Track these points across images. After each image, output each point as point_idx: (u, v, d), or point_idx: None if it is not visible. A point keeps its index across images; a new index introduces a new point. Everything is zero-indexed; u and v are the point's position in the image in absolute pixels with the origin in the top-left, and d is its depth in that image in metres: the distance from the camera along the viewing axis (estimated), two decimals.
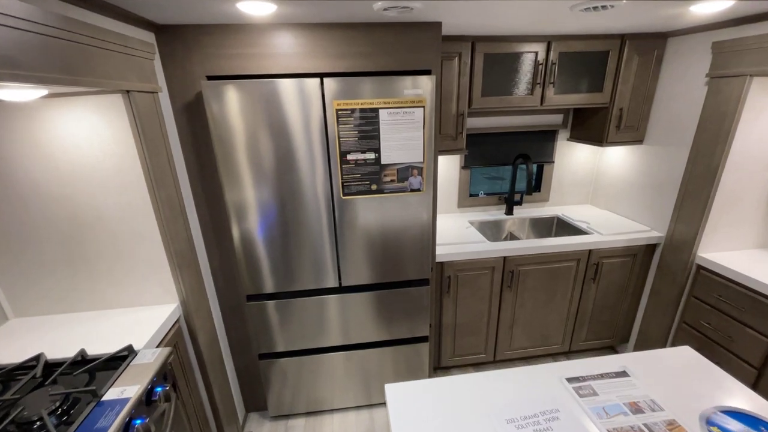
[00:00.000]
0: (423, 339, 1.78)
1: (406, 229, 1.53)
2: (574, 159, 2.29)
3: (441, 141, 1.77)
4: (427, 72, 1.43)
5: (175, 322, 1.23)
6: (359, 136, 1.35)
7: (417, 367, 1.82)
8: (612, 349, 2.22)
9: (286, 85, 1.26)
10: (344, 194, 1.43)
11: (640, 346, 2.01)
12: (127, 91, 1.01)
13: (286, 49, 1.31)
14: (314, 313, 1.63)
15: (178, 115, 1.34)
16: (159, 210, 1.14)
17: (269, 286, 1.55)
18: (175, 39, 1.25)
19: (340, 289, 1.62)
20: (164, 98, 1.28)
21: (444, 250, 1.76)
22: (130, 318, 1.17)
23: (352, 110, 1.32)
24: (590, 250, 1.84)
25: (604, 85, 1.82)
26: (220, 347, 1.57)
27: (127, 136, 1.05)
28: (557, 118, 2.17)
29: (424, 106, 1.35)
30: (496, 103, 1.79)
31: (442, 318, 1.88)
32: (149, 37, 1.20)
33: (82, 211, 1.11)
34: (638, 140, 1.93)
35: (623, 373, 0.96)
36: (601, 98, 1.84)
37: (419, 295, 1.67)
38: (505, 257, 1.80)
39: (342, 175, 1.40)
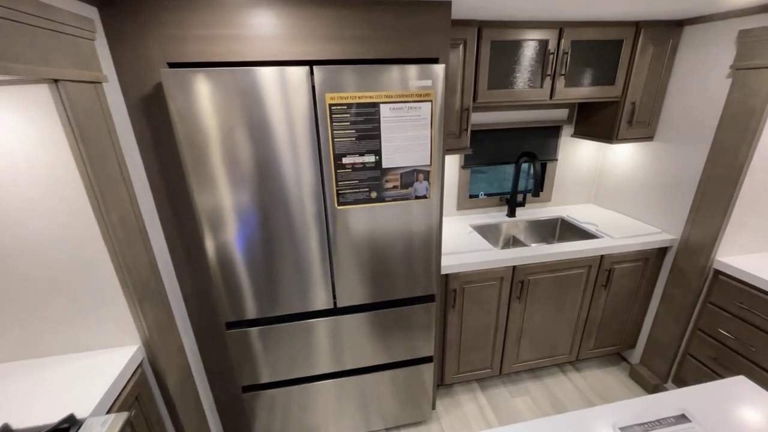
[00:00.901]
0: (426, 360, 1.61)
1: (409, 241, 1.34)
2: (578, 156, 2.16)
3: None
4: (434, 60, 1.23)
5: (137, 368, 0.99)
6: (357, 136, 1.15)
7: (419, 390, 1.65)
8: (619, 356, 2.13)
9: (268, 75, 1.04)
10: (339, 203, 1.22)
11: (649, 353, 1.92)
12: (55, 81, 0.76)
13: (266, 30, 1.08)
14: (305, 339, 1.42)
15: (135, 111, 1.08)
16: (109, 232, 0.90)
17: (252, 311, 1.33)
18: (126, 15, 1.00)
19: (335, 311, 1.42)
20: (113, 90, 1.03)
21: (449, 261, 1.59)
22: (76, 368, 0.93)
23: (348, 105, 1.11)
24: (602, 256, 1.72)
25: (617, 77, 1.68)
26: (196, 385, 1.34)
27: (59, 139, 0.81)
28: (563, 113, 2.03)
29: (432, 101, 1.16)
30: (503, 97, 1.61)
31: (446, 334, 1.72)
32: (90, 11, 0.94)
33: (2, 239, 0.86)
34: (649, 137, 1.81)
35: (683, 418, 0.82)
36: (613, 91, 1.71)
37: (424, 312, 1.49)
38: (514, 266, 1.64)
39: (337, 181, 1.19)
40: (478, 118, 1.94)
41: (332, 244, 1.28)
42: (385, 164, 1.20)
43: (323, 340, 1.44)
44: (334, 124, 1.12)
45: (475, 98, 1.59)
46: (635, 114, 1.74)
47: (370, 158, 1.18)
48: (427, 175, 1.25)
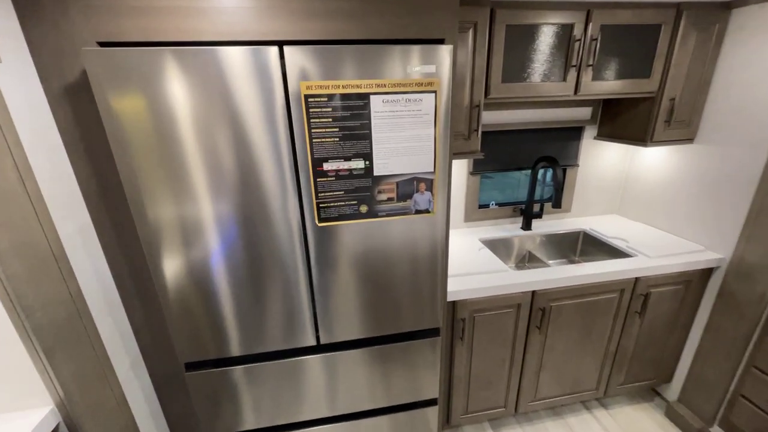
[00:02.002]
0: (430, 402, 1.35)
1: (409, 265, 1.10)
2: (602, 161, 1.91)
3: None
4: (439, 41, 1.00)
5: None
6: (341, 135, 0.91)
7: None
8: (653, 392, 1.86)
9: (227, 57, 0.81)
10: (321, 220, 0.98)
11: (690, 390, 1.64)
12: None
13: (226, 1, 0.85)
14: (284, 381, 1.17)
15: (58, 103, 0.86)
16: None
17: (216, 350, 1.08)
18: None
19: (319, 348, 1.17)
20: (26, 75, 0.80)
21: (456, 285, 1.34)
22: None
23: (330, 97, 0.87)
24: (637, 278, 1.46)
25: (653, 68, 1.44)
26: None
27: None
28: (585, 112, 1.78)
29: (436, 91, 0.92)
30: (519, 92, 1.37)
31: (453, 370, 1.46)
32: None
33: None
34: (689, 138, 1.56)
35: None
36: (649, 85, 1.46)
37: (427, 349, 1.24)
38: (534, 291, 1.39)
39: (316, 192, 0.95)
40: (489, 118, 1.69)
41: (313, 269, 1.04)
42: (377, 171, 0.96)
43: (306, 382, 1.19)
44: (311, 120, 0.88)
45: (486, 93, 1.35)
46: (674, 112, 1.48)
47: (359, 163, 0.94)
48: (430, 185, 1.01)
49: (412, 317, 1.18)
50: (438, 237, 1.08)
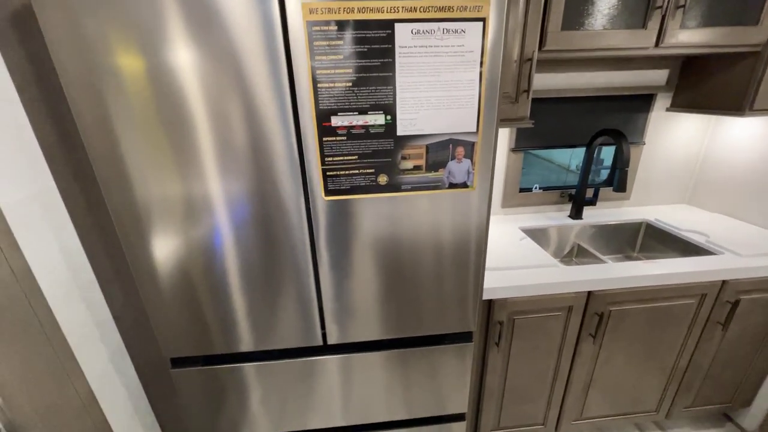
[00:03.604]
0: (457, 417, 1.13)
1: (436, 253, 0.87)
2: (673, 139, 1.58)
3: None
4: None
5: None
6: (355, 79, 0.69)
7: None
8: (726, 417, 1.55)
9: None
10: (327, 192, 0.77)
11: None
12: None
13: None
14: (284, 385, 0.99)
15: (4, 38, 0.69)
16: None
17: (204, 345, 0.92)
18: None
19: (325, 349, 0.98)
20: None
21: (493, 280, 1.10)
22: None
23: (341, 25, 0.65)
24: (724, 281, 1.16)
25: (762, 13, 1.11)
26: None
27: None
28: (661, 75, 1.45)
29: (485, 19, 0.67)
30: (583, 43, 1.09)
31: (484, 380, 1.24)
32: None
33: None
34: None
35: None
36: (754, 36, 1.13)
37: (455, 356, 1.02)
38: (590, 292, 1.13)
39: (323, 156, 0.74)
40: (538, 83, 1.41)
41: (318, 254, 0.84)
42: (401, 129, 0.73)
43: (311, 387, 1.01)
44: (316, 58, 0.67)
45: (542, 44, 1.08)
46: None
47: (377, 118, 0.72)
48: (470, 151, 0.77)
49: (438, 318, 0.96)
50: (476, 220, 0.85)
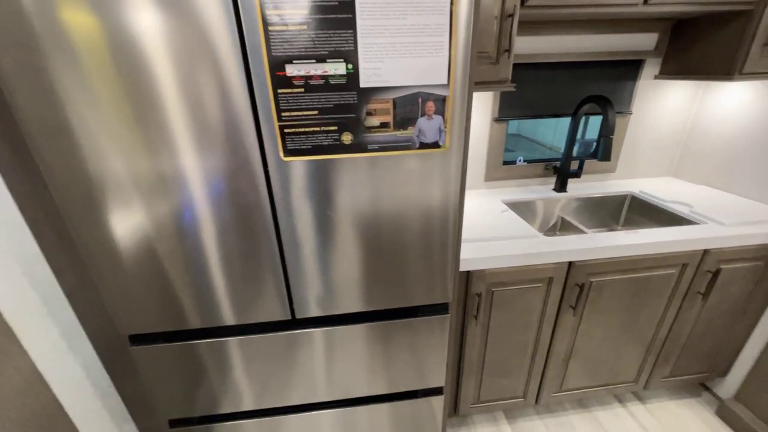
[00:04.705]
0: (435, 391, 1.11)
1: (409, 218, 0.82)
2: (661, 109, 1.53)
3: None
4: None
5: None
6: (311, 21, 0.61)
7: (423, 428, 1.17)
8: (702, 387, 1.57)
9: None
10: (287, 152, 0.71)
11: (753, 388, 1.35)
12: None
13: None
14: (255, 361, 0.95)
15: None
16: None
17: (164, 321, 0.86)
18: None
19: (294, 323, 0.93)
20: None
21: (471, 251, 1.06)
22: None
23: None
24: (706, 250, 1.14)
25: None
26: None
27: None
28: (650, 40, 1.39)
29: None
30: None
31: (463, 354, 1.21)
32: None
33: None
34: None
35: None
36: None
37: (431, 328, 0.99)
38: (571, 262, 1.10)
39: (279, 110, 0.67)
40: (521, 46, 1.34)
41: (280, 221, 0.78)
42: (365, 80, 0.66)
43: (285, 362, 0.97)
44: None
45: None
46: None
47: (338, 67, 0.65)
48: (441, 106, 0.71)
49: (412, 289, 0.91)
50: (451, 184, 0.80)
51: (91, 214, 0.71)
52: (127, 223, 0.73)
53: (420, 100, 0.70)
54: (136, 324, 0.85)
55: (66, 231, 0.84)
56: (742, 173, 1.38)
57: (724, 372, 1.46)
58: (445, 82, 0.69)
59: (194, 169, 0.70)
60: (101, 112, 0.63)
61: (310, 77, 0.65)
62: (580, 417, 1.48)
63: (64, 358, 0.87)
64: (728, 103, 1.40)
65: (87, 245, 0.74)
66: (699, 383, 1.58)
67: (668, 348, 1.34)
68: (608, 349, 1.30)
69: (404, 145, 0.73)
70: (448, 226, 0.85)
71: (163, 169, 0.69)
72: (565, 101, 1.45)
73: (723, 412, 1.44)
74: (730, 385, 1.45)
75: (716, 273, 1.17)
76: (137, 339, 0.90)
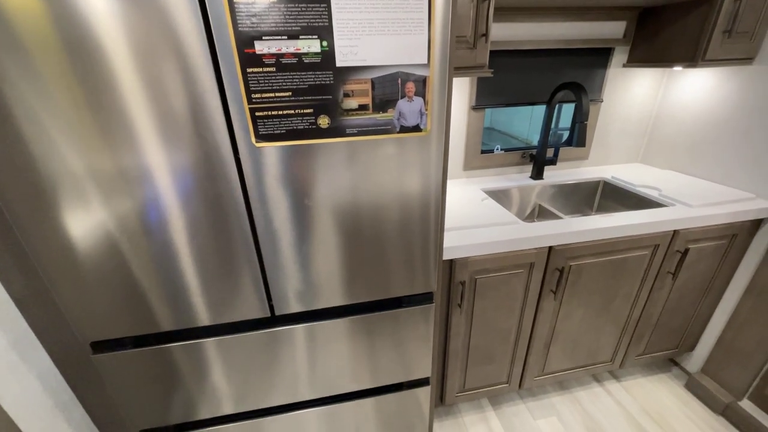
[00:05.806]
0: (421, 383, 1.10)
1: (389, 208, 0.80)
2: (629, 96, 1.58)
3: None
4: None
5: None
6: None
7: (411, 419, 1.16)
8: (671, 362, 1.65)
9: None
10: (259, 137, 0.66)
11: (718, 361, 1.43)
12: None
13: None
14: (235, 362, 0.90)
15: None
16: None
17: (131, 325, 0.80)
18: None
19: (274, 321, 0.89)
20: None
21: (454, 239, 1.05)
22: None
23: None
24: (676, 231, 1.19)
25: None
26: None
27: None
28: (618, 28, 1.42)
29: None
30: None
31: (448, 343, 1.21)
32: None
33: None
34: (748, 57, 1.24)
35: None
36: None
37: (416, 319, 0.97)
38: (551, 247, 1.11)
39: (248, 92, 0.62)
40: (497, 33, 1.34)
41: (255, 212, 0.73)
42: (341, 58, 0.63)
43: (263, 362, 0.92)
44: None
45: None
46: (738, 18, 1.15)
47: (311, 44, 0.61)
48: (422, 87, 0.68)
49: (396, 279, 0.89)
50: (432, 168, 0.78)
51: (39, 212, 0.64)
52: (83, 221, 0.66)
53: (399, 81, 0.67)
54: (98, 330, 0.78)
55: (11, 230, 0.76)
56: (706, 157, 1.44)
57: (692, 347, 1.54)
58: (425, 62, 0.66)
59: (157, 158, 0.64)
60: (48, 97, 0.56)
61: (282, 55, 0.61)
62: (561, 398, 1.52)
63: (15, 371, 0.78)
64: (691, 89, 1.46)
65: (35, 247, 0.67)
66: (669, 359, 1.66)
67: (641, 327, 1.39)
68: (587, 332, 1.34)
69: (384, 129, 0.71)
70: (431, 214, 0.83)
71: (122, 159, 0.63)
72: (541, 89, 1.47)
73: (691, 385, 1.52)
74: (697, 359, 1.54)
75: (685, 253, 1.22)
76: (101, 345, 0.82)
